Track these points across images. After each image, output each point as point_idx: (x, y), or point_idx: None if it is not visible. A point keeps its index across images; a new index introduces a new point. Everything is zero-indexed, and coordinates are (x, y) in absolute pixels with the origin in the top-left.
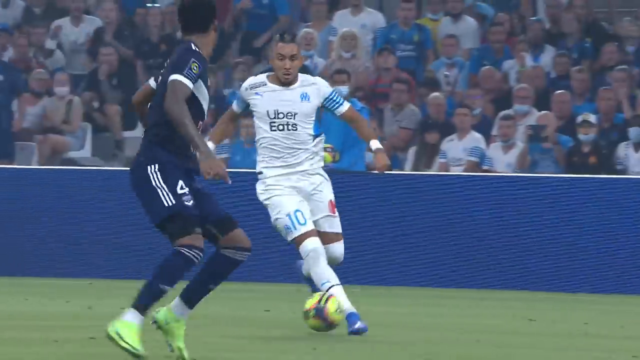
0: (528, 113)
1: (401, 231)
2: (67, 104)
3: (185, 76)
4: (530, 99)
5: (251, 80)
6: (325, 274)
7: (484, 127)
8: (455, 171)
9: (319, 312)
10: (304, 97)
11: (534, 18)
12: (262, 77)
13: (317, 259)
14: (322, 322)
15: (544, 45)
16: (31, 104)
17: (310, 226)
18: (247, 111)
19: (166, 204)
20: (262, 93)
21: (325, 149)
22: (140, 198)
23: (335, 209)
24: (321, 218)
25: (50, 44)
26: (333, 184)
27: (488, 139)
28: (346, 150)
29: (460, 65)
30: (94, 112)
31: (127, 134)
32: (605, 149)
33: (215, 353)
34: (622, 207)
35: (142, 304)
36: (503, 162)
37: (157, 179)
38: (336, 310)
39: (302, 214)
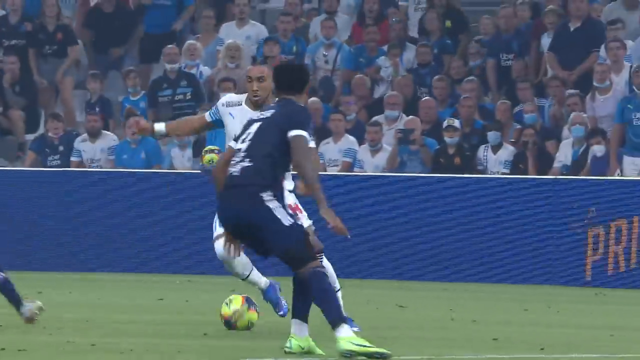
0: (398, 118)
1: None
2: None
3: (307, 132)
4: (400, 105)
5: (230, 97)
6: (241, 271)
7: (358, 131)
8: (332, 171)
9: (252, 305)
10: None
11: (395, 19)
12: (241, 97)
13: (227, 265)
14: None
15: (405, 44)
16: None
17: (219, 231)
18: (217, 125)
19: (288, 225)
20: (235, 115)
21: (212, 150)
22: (261, 229)
23: (297, 210)
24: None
25: None
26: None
27: (361, 142)
28: None
29: (338, 46)
30: None
31: (29, 136)
32: (468, 151)
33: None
34: (484, 203)
35: (338, 318)
36: (372, 164)
37: (274, 202)
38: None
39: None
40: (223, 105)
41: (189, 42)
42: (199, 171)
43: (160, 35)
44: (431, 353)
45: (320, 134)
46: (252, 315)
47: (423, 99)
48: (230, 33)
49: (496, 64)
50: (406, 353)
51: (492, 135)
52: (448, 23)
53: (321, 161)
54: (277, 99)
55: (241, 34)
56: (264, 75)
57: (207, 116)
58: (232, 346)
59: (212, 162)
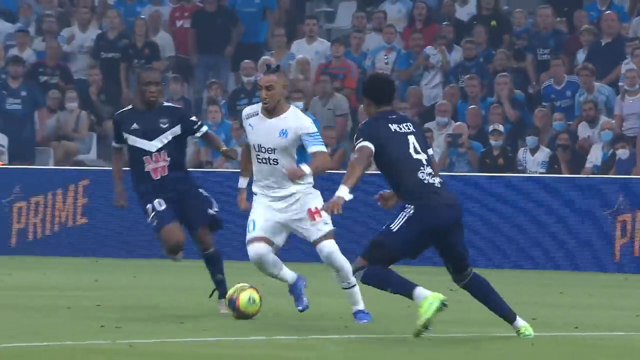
0: (447, 124)
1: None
2: (76, 117)
3: None
4: (449, 113)
5: (249, 109)
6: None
7: None
8: None
9: (231, 303)
10: (283, 133)
11: (445, 23)
12: (257, 107)
13: (259, 266)
14: (234, 312)
15: (453, 45)
16: (48, 117)
17: (255, 234)
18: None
19: None
20: (253, 124)
21: None
22: (461, 232)
23: (317, 214)
24: (310, 228)
25: (66, 47)
26: None
27: None
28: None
29: (397, 50)
30: (94, 125)
31: None
32: (511, 152)
33: None
34: (524, 199)
35: (509, 310)
36: None
37: None
38: (248, 301)
39: (253, 223)
40: (245, 117)
41: (264, 57)
42: None
43: (248, 45)
44: (477, 331)
45: None
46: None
47: (470, 107)
48: (301, 49)
49: (533, 58)
50: (456, 331)
51: (530, 140)
52: (494, 22)
53: None
54: (380, 110)
55: (310, 50)
56: (272, 84)
57: (249, 142)
58: (277, 325)
59: None
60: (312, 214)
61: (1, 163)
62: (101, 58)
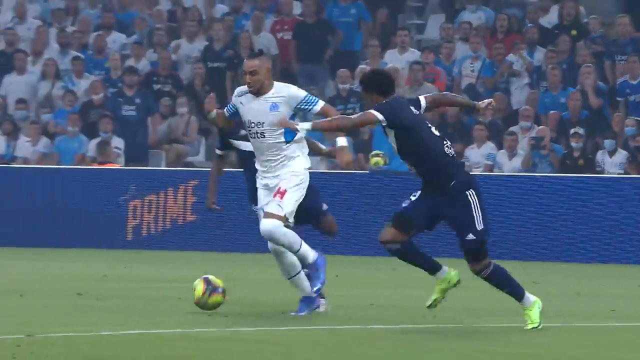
0: (530, 128)
1: None
2: (186, 122)
3: None
4: (531, 117)
5: (239, 88)
6: (287, 270)
7: (497, 137)
8: (475, 172)
9: (214, 290)
10: (274, 107)
11: (530, 25)
12: (246, 87)
13: (277, 257)
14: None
15: (536, 46)
16: (160, 122)
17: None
18: (234, 118)
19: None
20: (243, 102)
21: (377, 155)
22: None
23: (280, 195)
24: (269, 202)
25: (174, 57)
26: (382, 183)
27: (499, 147)
28: (394, 156)
29: (483, 59)
30: (202, 123)
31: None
32: (591, 154)
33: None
34: (604, 198)
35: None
36: (509, 166)
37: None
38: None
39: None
40: (236, 96)
41: (360, 66)
42: (368, 171)
43: (345, 52)
44: (560, 321)
45: (466, 140)
46: (216, 298)
47: (551, 112)
48: (393, 59)
49: (612, 64)
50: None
51: (608, 143)
52: (574, 32)
53: (468, 163)
54: (391, 98)
55: (402, 59)
56: (256, 69)
57: (225, 111)
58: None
59: (378, 164)
60: (277, 192)
61: (118, 165)
62: (207, 67)
